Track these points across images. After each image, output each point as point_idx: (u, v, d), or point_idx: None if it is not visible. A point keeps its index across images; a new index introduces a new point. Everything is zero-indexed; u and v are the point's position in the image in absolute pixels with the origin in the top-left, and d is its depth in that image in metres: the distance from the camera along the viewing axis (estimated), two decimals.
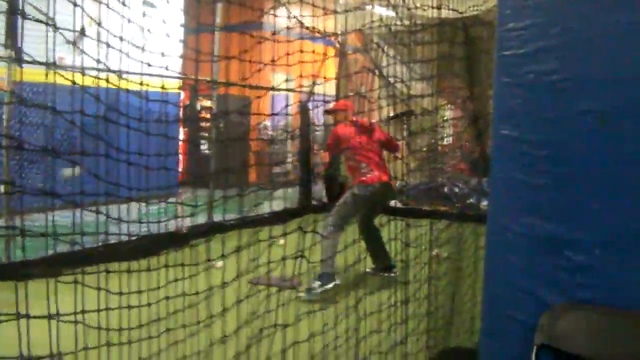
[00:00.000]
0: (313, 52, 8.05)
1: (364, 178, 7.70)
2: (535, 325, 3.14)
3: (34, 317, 3.38)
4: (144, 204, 7.65)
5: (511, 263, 3.35)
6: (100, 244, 8.11)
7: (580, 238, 3.11)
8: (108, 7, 6.27)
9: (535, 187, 3.23)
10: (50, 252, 7.78)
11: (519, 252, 3.31)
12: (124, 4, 5.88)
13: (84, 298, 3.85)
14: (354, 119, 8.14)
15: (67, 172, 8.56)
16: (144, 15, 7.07)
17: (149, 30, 7.59)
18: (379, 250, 8.12)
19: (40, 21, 6.12)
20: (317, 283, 7.14)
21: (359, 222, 7.95)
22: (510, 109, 3.34)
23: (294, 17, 9.69)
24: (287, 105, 13.91)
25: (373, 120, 8.42)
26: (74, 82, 5.87)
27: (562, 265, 3.15)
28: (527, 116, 3.27)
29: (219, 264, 6.70)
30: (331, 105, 8.75)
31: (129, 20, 7.04)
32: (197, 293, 4.88)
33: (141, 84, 7.28)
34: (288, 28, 8.01)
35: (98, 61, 6.29)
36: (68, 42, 5.64)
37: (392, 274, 8.12)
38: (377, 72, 13.03)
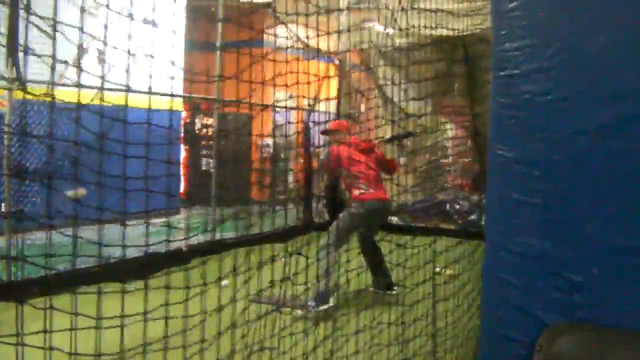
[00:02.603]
0: (308, 70, 8.04)
1: (360, 194, 7.68)
2: (533, 345, 3.14)
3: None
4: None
5: (508, 283, 3.35)
6: (99, 263, 8.09)
7: (576, 257, 3.11)
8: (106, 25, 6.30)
9: (531, 206, 3.24)
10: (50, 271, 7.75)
11: (516, 271, 3.31)
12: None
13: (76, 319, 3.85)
14: (351, 138, 8.12)
15: (71, 193, 8.54)
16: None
17: (150, 48, 7.62)
18: (377, 269, 8.14)
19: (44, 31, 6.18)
20: (312, 303, 7.11)
21: (359, 242, 7.95)
22: (506, 128, 3.36)
23: (294, 35, 9.75)
24: (287, 123, 13.94)
25: (372, 140, 8.40)
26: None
27: (559, 285, 3.16)
28: (522, 136, 3.29)
29: (224, 282, 6.73)
30: (328, 126, 8.72)
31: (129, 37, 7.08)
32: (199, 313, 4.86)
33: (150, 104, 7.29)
34: (287, 48, 8.01)
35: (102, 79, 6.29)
36: (65, 62, 5.65)
37: (391, 292, 8.12)
38: (377, 90, 13.07)
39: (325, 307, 7.05)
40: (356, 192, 7.71)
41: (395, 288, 8.16)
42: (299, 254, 5.20)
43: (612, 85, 3.07)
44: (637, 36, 3.03)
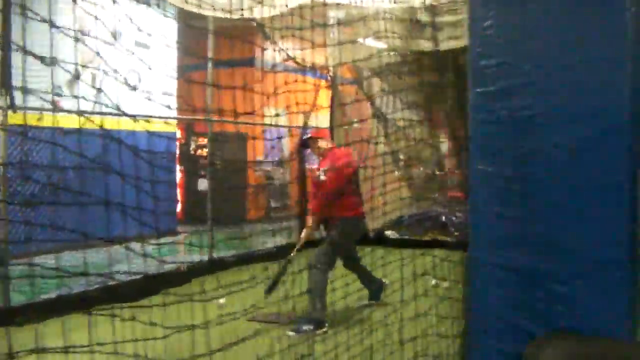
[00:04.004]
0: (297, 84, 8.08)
1: (352, 211, 7.49)
2: (519, 356, 3.19)
3: None
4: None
5: (493, 295, 3.41)
6: (97, 285, 8.10)
7: (557, 268, 3.17)
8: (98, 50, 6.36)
9: (512, 220, 3.30)
10: (48, 295, 7.76)
11: (500, 284, 3.37)
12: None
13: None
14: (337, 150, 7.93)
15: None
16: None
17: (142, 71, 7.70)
18: (368, 278, 8.08)
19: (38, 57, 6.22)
20: (309, 327, 7.00)
21: (343, 259, 7.83)
22: (485, 145, 3.42)
23: (285, 52, 9.83)
24: (279, 138, 14.00)
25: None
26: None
27: (542, 296, 3.22)
28: (502, 152, 3.35)
29: (221, 301, 6.77)
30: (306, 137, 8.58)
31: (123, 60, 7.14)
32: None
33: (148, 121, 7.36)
34: (277, 65, 8.06)
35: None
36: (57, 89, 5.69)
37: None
38: (369, 104, 13.10)
39: (318, 332, 6.95)
40: (356, 206, 7.54)
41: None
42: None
43: (588, 100, 3.14)
44: (611, 52, 3.10)
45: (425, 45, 9.81)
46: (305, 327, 6.95)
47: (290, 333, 6.90)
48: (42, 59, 6.01)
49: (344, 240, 7.47)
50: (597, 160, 3.11)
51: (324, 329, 7.00)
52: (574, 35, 3.20)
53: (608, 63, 3.12)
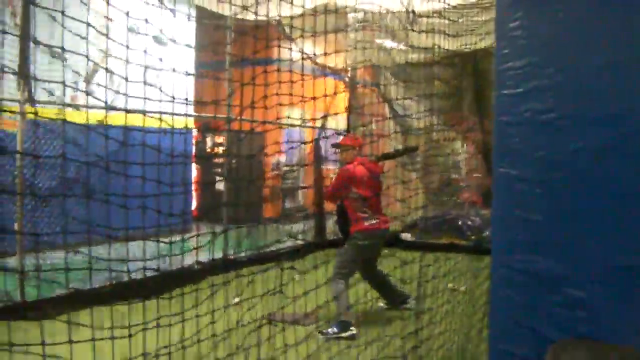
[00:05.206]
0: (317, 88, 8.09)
1: (366, 225, 7.48)
2: None
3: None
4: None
5: (513, 299, 3.37)
6: (112, 281, 8.08)
7: (578, 274, 3.13)
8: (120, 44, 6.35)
9: (534, 224, 3.26)
10: (62, 291, 7.73)
11: (520, 288, 3.33)
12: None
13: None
14: (363, 158, 7.90)
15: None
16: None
17: (160, 67, 7.69)
18: (387, 290, 8.07)
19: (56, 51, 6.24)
20: (334, 330, 7.08)
21: (361, 272, 7.85)
22: (509, 147, 3.38)
23: (305, 53, 9.82)
24: (303, 143, 13.99)
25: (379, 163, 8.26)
26: None
27: (562, 301, 3.17)
28: (525, 154, 3.31)
29: (235, 299, 6.77)
30: (340, 139, 8.65)
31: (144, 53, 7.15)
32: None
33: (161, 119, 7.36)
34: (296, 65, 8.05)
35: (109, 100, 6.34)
36: (74, 86, 5.70)
37: (408, 305, 8.06)
38: (387, 105, 13.08)
39: (345, 334, 6.99)
40: (362, 221, 7.47)
41: (409, 301, 8.09)
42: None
43: (612, 103, 3.10)
44: (636, 55, 3.06)
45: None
46: (330, 330, 7.03)
47: (319, 336, 6.96)
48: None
49: (354, 253, 7.49)
50: (619, 165, 3.06)
51: (351, 332, 7.03)
52: (599, 38, 3.16)
53: (633, 66, 3.07)
